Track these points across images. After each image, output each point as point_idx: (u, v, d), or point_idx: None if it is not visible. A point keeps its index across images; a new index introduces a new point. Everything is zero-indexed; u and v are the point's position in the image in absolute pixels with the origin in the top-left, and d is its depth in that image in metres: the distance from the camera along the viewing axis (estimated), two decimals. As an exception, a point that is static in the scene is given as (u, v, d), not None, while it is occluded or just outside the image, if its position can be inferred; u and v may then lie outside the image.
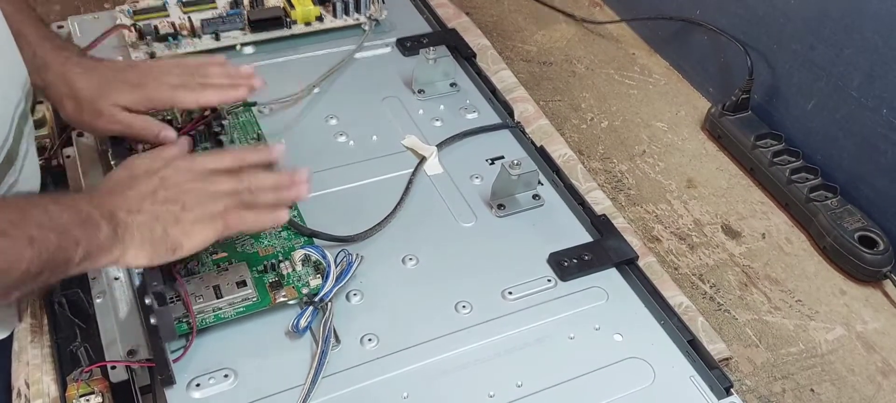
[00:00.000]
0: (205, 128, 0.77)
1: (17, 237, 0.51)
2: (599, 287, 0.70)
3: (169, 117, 0.76)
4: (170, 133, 0.71)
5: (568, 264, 0.71)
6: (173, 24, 0.90)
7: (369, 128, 0.84)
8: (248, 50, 0.92)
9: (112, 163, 0.72)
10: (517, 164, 0.74)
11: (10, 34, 0.64)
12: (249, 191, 0.62)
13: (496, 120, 0.87)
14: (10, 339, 0.65)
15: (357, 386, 0.61)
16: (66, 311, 0.64)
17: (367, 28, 0.96)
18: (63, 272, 0.55)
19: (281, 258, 0.67)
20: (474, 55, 0.96)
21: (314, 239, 0.70)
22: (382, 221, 0.73)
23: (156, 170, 0.61)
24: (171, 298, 0.63)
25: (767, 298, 0.79)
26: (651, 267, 0.76)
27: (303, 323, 0.63)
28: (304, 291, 0.65)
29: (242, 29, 0.92)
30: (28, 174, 0.66)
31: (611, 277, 0.71)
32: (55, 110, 0.80)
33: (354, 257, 0.68)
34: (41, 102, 0.81)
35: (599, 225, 0.74)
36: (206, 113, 0.78)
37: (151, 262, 0.59)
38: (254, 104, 0.83)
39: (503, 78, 0.97)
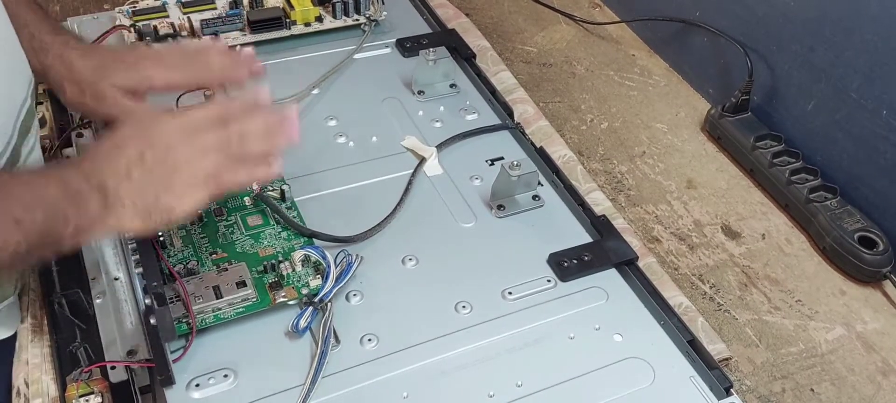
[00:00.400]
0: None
1: (1, 220, 0.50)
2: (599, 287, 0.70)
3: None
4: None
5: (568, 264, 0.71)
6: (173, 25, 0.90)
7: (369, 128, 0.84)
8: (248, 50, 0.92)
9: None
10: (517, 165, 0.74)
11: (14, 32, 0.63)
12: (239, 139, 0.59)
13: (496, 121, 0.87)
14: (13, 339, 0.64)
15: (357, 386, 0.61)
16: (66, 311, 0.64)
17: (366, 29, 0.96)
18: (53, 248, 0.53)
19: (281, 258, 0.67)
20: (474, 56, 0.96)
21: (314, 240, 0.70)
22: (382, 222, 0.73)
23: (142, 132, 0.58)
24: (171, 298, 0.63)
25: (767, 298, 0.79)
26: (651, 267, 0.76)
27: (302, 323, 0.63)
28: (304, 291, 0.65)
29: (242, 29, 0.92)
30: None
31: (611, 277, 0.71)
32: (54, 111, 0.81)
33: (354, 257, 0.68)
34: (41, 103, 0.81)
35: (599, 225, 0.74)
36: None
37: (146, 230, 0.57)
38: (254, 105, 0.83)
39: (503, 79, 0.97)
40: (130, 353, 0.60)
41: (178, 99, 0.77)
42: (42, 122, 0.80)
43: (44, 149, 0.78)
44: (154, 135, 0.58)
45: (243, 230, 0.70)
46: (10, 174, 0.56)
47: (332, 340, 0.63)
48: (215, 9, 0.93)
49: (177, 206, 0.57)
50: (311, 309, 0.64)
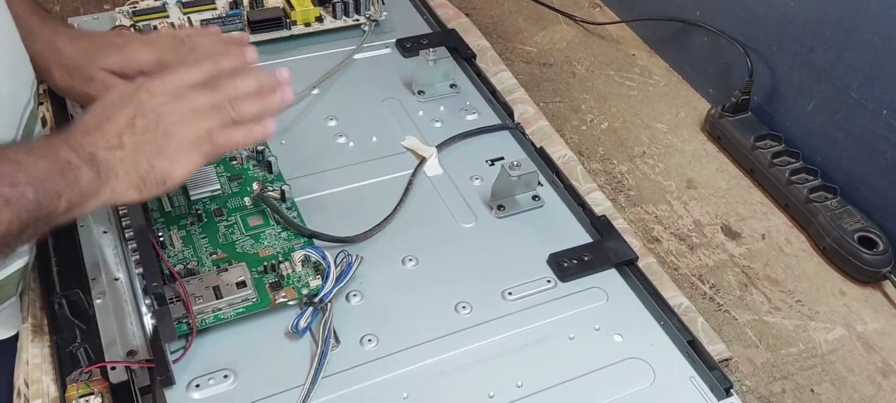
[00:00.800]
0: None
1: None
2: (599, 287, 0.70)
3: None
4: None
5: (568, 265, 0.71)
6: (173, 25, 0.90)
7: (369, 129, 0.84)
8: (248, 51, 0.92)
9: None
10: (517, 165, 0.74)
11: (18, 35, 0.63)
12: (231, 102, 0.58)
13: (496, 121, 0.87)
14: (15, 338, 0.64)
15: (357, 387, 0.61)
16: (66, 312, 0.64)
17: (366, 29, 0.96)
18: (48, 224, 0.52)
19: (281, 259, 0.67)
20: (474, 56, 0.96)
21: (314, 240, 0.70)
22: (382, 222, 0.73)
23: (130, 97, 0.57)
24: (171, 299, 0.63)
25: (767, 299, 0.79)
26: (651, 267, 0.76)
27: (302, 323, 0.63)
28: (304, 292, 0.65)
29: (242, 30, 0.92)
30: None
31: (611, 278, 0.71)
32: (54, 112, 0.81)
33: (354, 258, 0.68)
34: (41, 104, 0.81)
35: (599, 225, 0.74)
36: None
37: (142, 198, 0.57)
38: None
39: (503, 79, 0.97)
40: (130, 354, 0.60)
41: None
42: (42, 123, 0.80)
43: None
44: (142, 101, 0.56)
45: (243, 230, 0.70)
46: None
47: (332, 340, 0.63)
48: (215, 9, 0.93)
49: (172, 172, 0.56)
50: (311, 309, 0.64)
